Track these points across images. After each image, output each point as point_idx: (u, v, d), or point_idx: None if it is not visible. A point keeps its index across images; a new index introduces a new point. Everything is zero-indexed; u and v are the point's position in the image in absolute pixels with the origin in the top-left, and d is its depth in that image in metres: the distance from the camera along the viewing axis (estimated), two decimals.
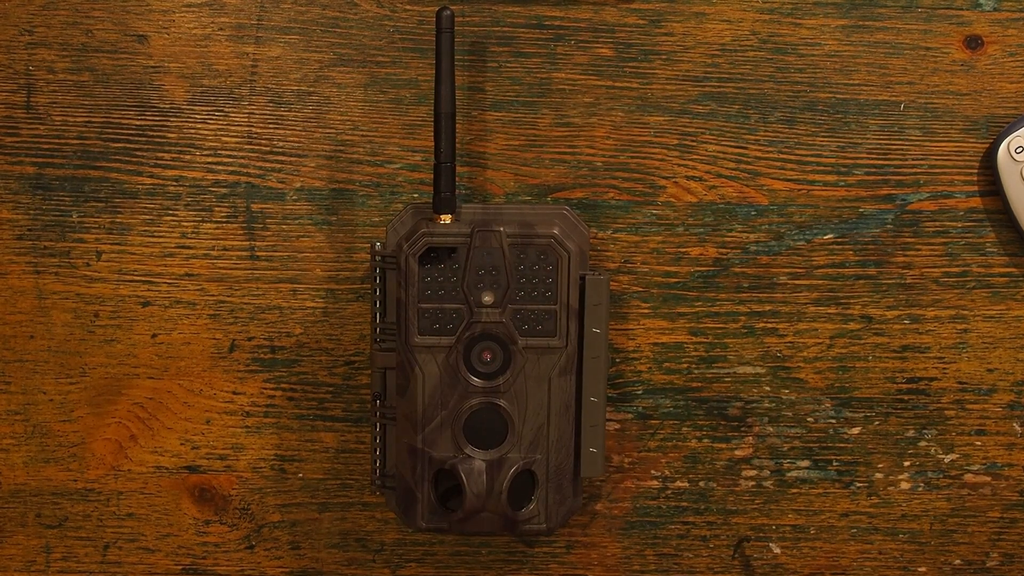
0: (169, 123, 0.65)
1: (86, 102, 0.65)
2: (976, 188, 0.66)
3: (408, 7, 0.64)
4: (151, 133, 0.65)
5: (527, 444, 0.63)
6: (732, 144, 0.66)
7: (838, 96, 0.65)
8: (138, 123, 0.65)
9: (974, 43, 0.65)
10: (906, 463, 0.68)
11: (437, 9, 0.60)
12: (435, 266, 0.62)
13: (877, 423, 0.68)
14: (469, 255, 0.61)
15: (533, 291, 0.62)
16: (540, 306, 0.62)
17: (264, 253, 0.66)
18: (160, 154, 0.65)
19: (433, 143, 0.61)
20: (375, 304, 0.63)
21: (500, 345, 0.62)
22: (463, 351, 0.62)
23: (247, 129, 0.65)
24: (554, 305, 0.62)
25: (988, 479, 0.68)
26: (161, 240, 0.66)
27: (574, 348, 0.63)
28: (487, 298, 0.62)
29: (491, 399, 0.63)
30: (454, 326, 0.62)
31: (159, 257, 0.66)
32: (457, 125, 0.65)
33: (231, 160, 0.65)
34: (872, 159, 0.66)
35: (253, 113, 0.65)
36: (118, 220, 0.65)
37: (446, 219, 0.62)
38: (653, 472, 0.68)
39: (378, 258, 0.63)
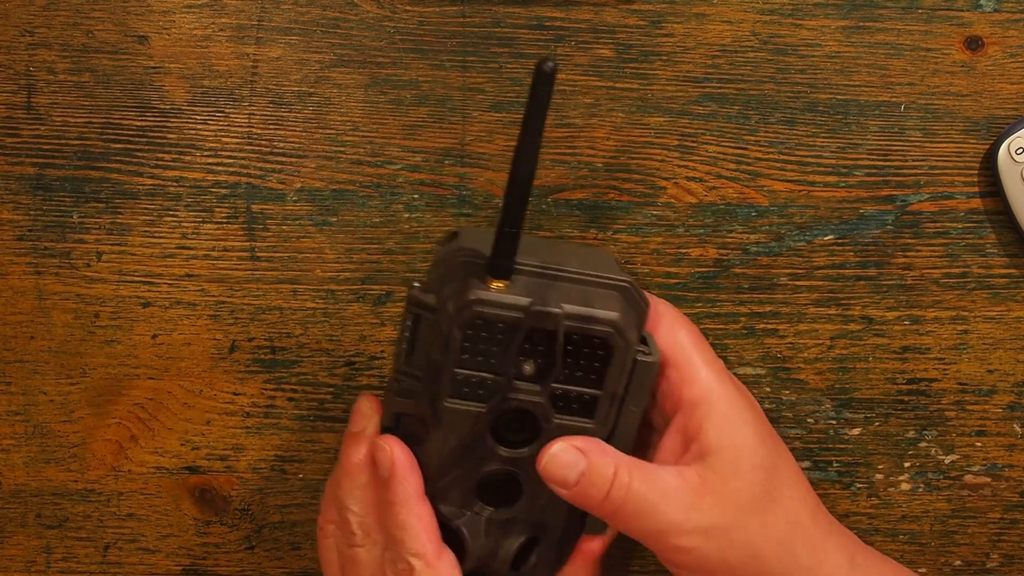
0: (169, 124, 0.65)
1: (86, 103, 0.65)
2: (976, 189, 0.66)
3: (409, 8, 0.64)
4: (151, 134, 0.65)
5: (538, 509, 0.59)
6: (732, 145, 0.66)
7: (838, 97, 0.65)
8: (138, 124, 0.65)
9: (975, 44, 0.65)
10: (906, 464, 0.68)
11: (538, 60, 0.51)
12: (478, 332, 0.56)
13: (877, 424, 0.68)
14: (520, 332, 0.56)
15: (579, 372, 0.57)
16: (584, 389, 0.57)
17: (264, 254, 0.66)
18: (160, 155, 0.65)
19: (503, 204, 0.54)
20: (402, 344, 0.58)
21: (532, 419, 0.57)
22: (492, 419, 0.57)
23: (247, 130, 0.65)
24: (599, 391, 0.57)
25: (988, 480, 0.68)
26: (161, 241, 0.66)
27: (608, 430, 0.58)
28: (528, 368, 0.57)
29: (510, 467, 0.58)
30: (488, 393, 0.57)
31: (159, 258, 0.66)
32: (458, 125, 0.65)
33: (231, 161, 0.65)
34: (872, 160, 0.66)
35: (253, 114, 0.65)
36: (118, 221, 0.65)
37: (500, 285, 0.55)
38: None
39: (415, 306, 0.57)
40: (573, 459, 0.55)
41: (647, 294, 0.59)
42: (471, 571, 0.60)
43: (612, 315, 0.55)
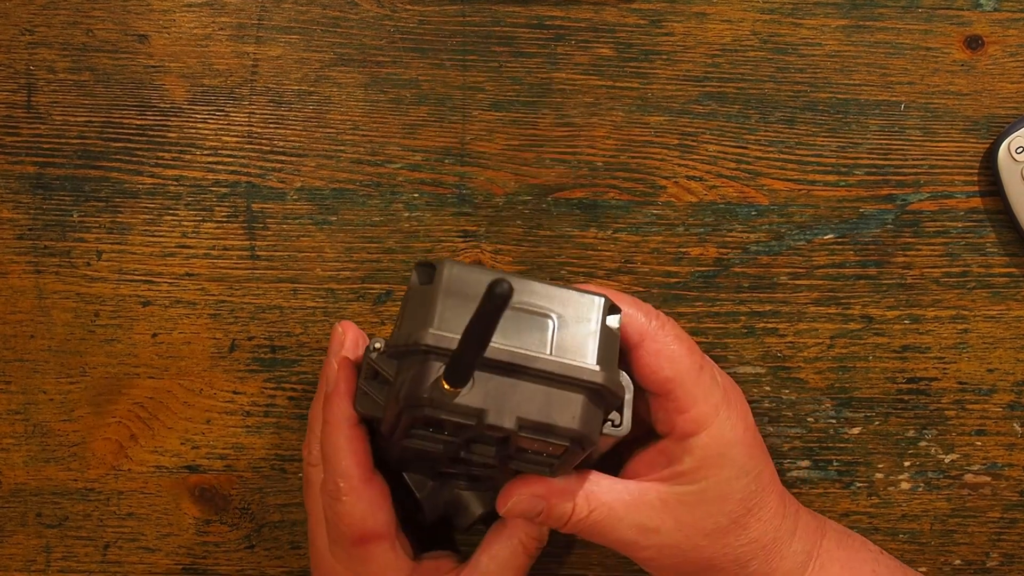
0: (170, 123, 0.65)
1: (87, 102, 0.65)
2: (976, 188, 0.66)
3: (409, 7, 0.64)
4: (151, 133, 0.65)
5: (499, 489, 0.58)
6: (732, 144, 0.66)
7: (838, 96, 0.65)
8: (139, 123, 0.65)
9: (975, 43, 0.65)
10: (906, 463, 0.68)
11: (492, 281, 0.46)
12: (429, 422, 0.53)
13: (877, 423, 0.68)
14: (469, 434, 0.52)
15: (534, 462, 0.55)
16: (540, 467, 0.55)
17: (264, 253, 0.66)
18: (161, 154, 0.65)
19: (462, 338, 0.49)
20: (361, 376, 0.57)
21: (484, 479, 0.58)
22: (448, 458, 0.56)
23: (248, 129, 0.65)
24: (554, 465, 0.55)
25: (988, 479, 0.68)
26: (162, 240, 0.66)
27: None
28: (479, 456, 0.54)
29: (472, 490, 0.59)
30: (439, 465, 0.57)
31: (160, 257, 0.66)
32: (458, 124, 0.65)
33: (232, 160, 0.65)
34: (872, 159, 0.66)
35: (254, 113, 0.65)
36: (119, 220, 0.65)
37: (455, 391, 0.51)
38: None
39: (370, 362, 0.56)
40: (532, 506, 0.57)
41: (632, 304, 0.57)
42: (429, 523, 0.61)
43: (571, 427, 0.52)
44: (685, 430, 0.57)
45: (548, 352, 0.52)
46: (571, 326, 0.53)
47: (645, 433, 0.59)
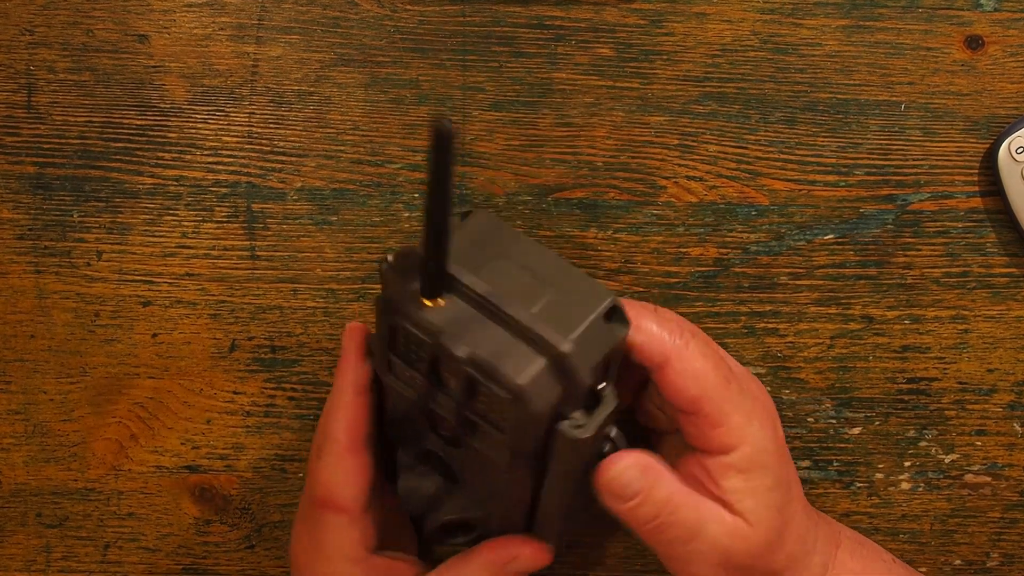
0: (170, 123, 0.65)
1: (87, 102, 0.65)
2: (977, 188, 0.66)
3: (409, 7, 0.64)
4: (152, 133, 0.65)
5: (476, 503, 0.58)
6: (733, 144, 0.66)
7: (839, 96, 0.65)
8: (139, 123, 0.65)
9: (975, 43, 0.65)
10: (907, 463, 0.68)
11: (432, 120, 0.48)
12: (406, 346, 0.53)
13: (877, 423, 0.68)
14: (427, 353, 0.52)
15: (488, 434, 0.53)
16: (494, 431, 0.53)
17: (265, 253, 0.66)
18: (161, 154, 0.65)
19: (423, 234, 0.49)
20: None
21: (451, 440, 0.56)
22: (422, 408, 0.55)
23: (248, 129, 0.65)
24: (503, 437, 0.53)
25: (988, 479, 0.68)
26: (162, 240, 0.66)
27: (530, 483, 0.55)
28: (452, 382, 0.53)
29: (445, 456, 0.57)
30: (417, 386, 0.54)
31: (160, 257, 0.66)
32: (458, 125, 0.65)
33: (232, 160, 0.65)
34: (873, 159, 0.66)
35: (254, 113, 0.65)
36: (119, 220, 0.65)
37: (430, 304, 0.51)
38: None
39: (380, 274, 0.55)
40: (635, 479, 0.55)
41: (654, 320, 0.55)
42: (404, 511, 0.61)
43: (515, 379, 0.50)
44: (722, 444, 0.56)
45: (530, 310, 0.51)
46: (567, 304, 0.52)
47: (680, 446, 0.59)
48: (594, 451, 0.55)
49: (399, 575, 0.60)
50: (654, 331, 0.56)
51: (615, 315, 0.53)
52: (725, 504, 0.56)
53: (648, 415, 0.62)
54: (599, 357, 0.53)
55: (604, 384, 0.54)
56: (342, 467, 0.58)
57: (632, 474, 0.55)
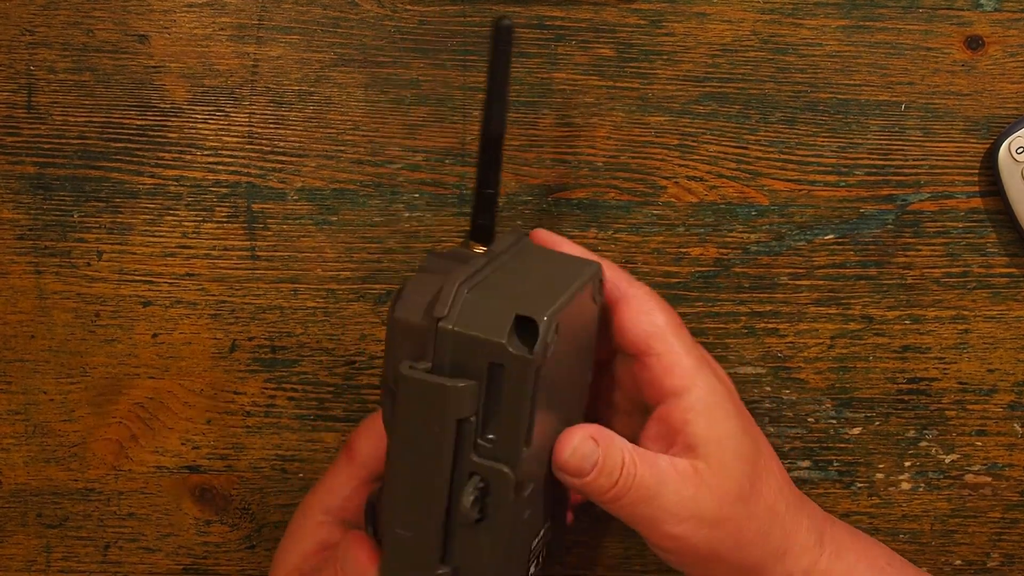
0: (170, 123, 0.65)
1: (87, 102, 0.65)
2: (977, 188, 0.66)
3: (409, 7, 0.64)
4: (152, 133, 0.65)
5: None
6: (733, 144, 0.66)
7: (839, 96, 0.65)
8: (139, 123, 0.65)
9: (975, 43, 0.65)
10: (907, 463, 0.68)
11: (495, 18, 0.54)
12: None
13: (878, 423, 0.68)
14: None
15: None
16: None
17: (265, 253, 0.66)
18: (161, 154, 0.65)
19: (477, 167, 0.56)
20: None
21: None
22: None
23: (248, 129, 0.65)
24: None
25: (989, 479, 0.68)
26: (162, 240, 0.66)
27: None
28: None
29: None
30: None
31: (160, 257, 0.66)
32: (458, 125, 0.65)
33: (232, 160, 0.65)
34: (873, 159, 0.66)
35: (254, 113, 0.65)
36: (119, 220, 0.65)
37: (480, 249, 0.57)
38: None
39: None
40: (590, 451, 0.55)
41: (613, 271, 0.58)
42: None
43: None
44: (675, 386, 0.57)
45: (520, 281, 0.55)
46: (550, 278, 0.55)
47: (638, 410, 0.60)
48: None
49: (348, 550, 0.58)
50: (610, 277, 0.59)
51: (595, 280, 0.57)
52: (690, 452, 0.57)
53: (608, 402, 0.62)
54: (561, 302, 0.54)
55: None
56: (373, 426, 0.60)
57: (588, 445, 0.56)
